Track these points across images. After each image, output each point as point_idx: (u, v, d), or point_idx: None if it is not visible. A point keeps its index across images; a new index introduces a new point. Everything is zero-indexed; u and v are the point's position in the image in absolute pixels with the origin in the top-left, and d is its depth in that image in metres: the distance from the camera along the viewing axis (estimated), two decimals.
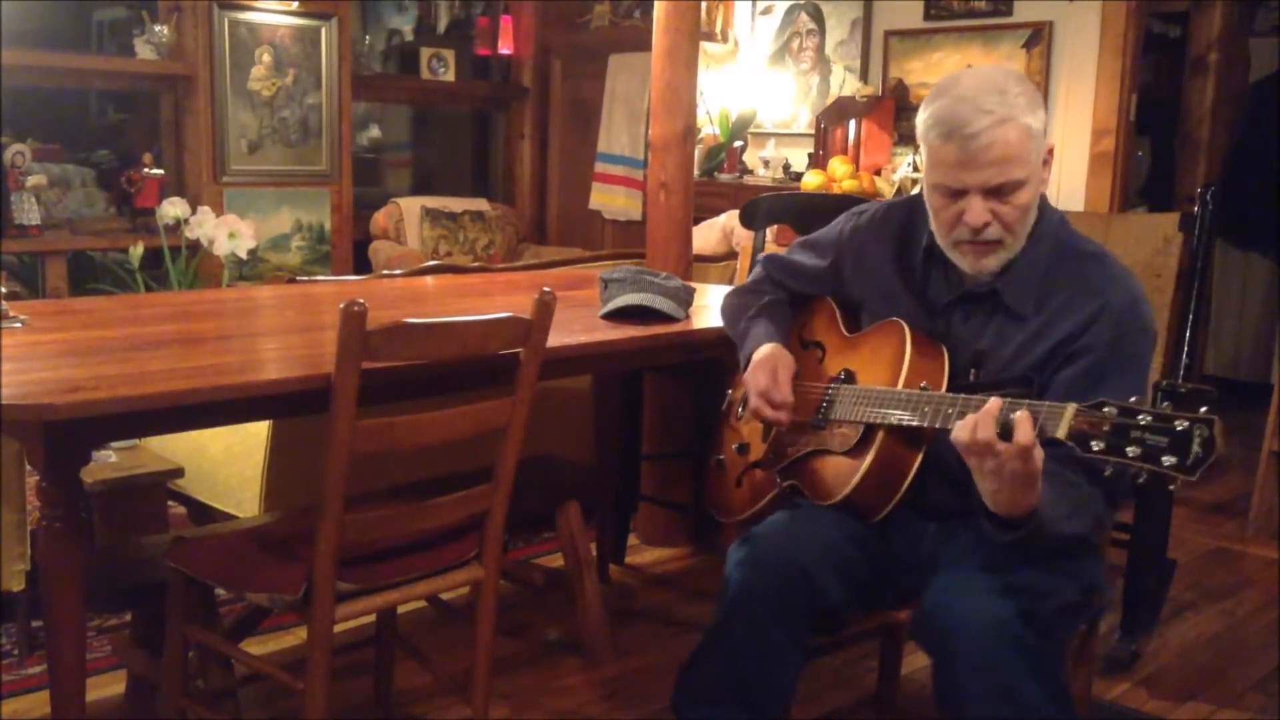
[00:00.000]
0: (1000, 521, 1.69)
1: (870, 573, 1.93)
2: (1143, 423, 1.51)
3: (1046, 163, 1.85)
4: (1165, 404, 1.53)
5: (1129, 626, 2.94)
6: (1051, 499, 1.65)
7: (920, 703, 2.67)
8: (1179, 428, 1.48)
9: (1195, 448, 1.47)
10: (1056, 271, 1.87)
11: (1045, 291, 1.86)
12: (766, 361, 2.05)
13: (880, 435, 1.86)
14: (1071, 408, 1.58)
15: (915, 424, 1.80)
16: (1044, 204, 1.91)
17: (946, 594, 1.73)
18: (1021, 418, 1.58)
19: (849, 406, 1.93)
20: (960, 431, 1.63)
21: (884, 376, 1.91)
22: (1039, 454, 1.59)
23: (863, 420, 1.89)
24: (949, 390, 1.85)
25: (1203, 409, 1.49)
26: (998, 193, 1.79)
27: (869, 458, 1.86)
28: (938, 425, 1.77)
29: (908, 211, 2.04)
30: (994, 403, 1.63)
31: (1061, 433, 1.58)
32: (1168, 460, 1.48)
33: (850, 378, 1.99)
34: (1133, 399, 1.58)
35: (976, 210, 1.80)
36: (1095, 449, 1.54)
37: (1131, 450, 1.51)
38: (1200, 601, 3.33)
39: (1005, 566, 1.74)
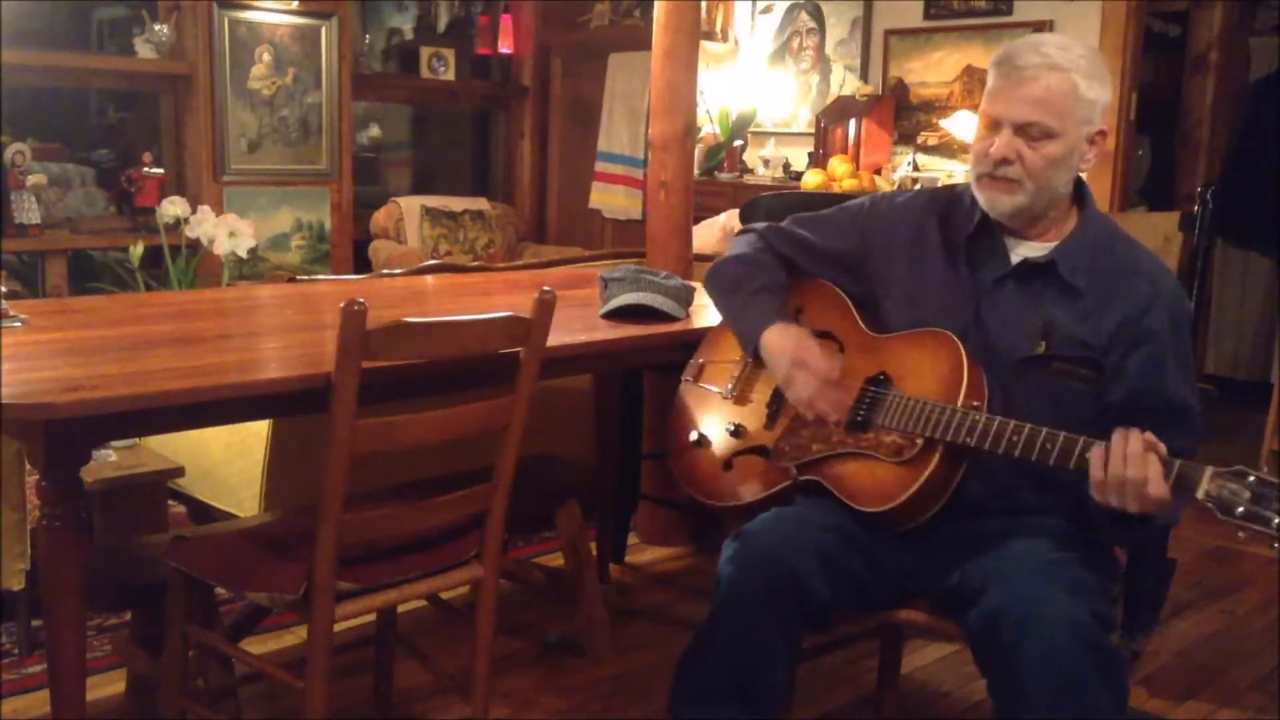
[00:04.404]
0: (1116, 517, 1.71)
1: (864, 571, 1.91)
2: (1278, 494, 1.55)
3: (1094, 142, 1.88)
4: None
5: (1129, 626, 2.94)
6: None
7: (920, 702, 2.67)
8: None
9: None
10: (1104, 252, 1.91)
11: (1095, 270, 1.89)
12: (802, 347, 1.98)
13: (940, 451, 1.82)
14: (1209, 470, 1.60)
15: (1019, 455, 1.75)
16: (1087, 193, 1.96)
17: (1018, 593, 1.71)
18: (1159, 478, 1.61)
19: (902, 415, 1.87)
20: (1115, 466, 1.65)
21: (935, 390, 1.87)
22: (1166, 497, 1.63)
23: (927, 435, 1.83)
24: (1013, 366, 1.87)
25: None
26: (1026, 134, 1.83)
27: (927, 471, 1.82)
28: (1033, 458, 1.74)
29: (953, 196, 2.04)
30: (1146, 445, 1.64)
31: (1200, 495, 1.60)
32: None
33: (886, 381, 1.95)
34: (1192, 389, 1.76)
35: (1002, 142, 1.84)
36: (1238, 514, 1.56)
37: (1276, 520, 1.54)
38: (1200, 601, 3.33)
39: (1061, 566, 1.74)
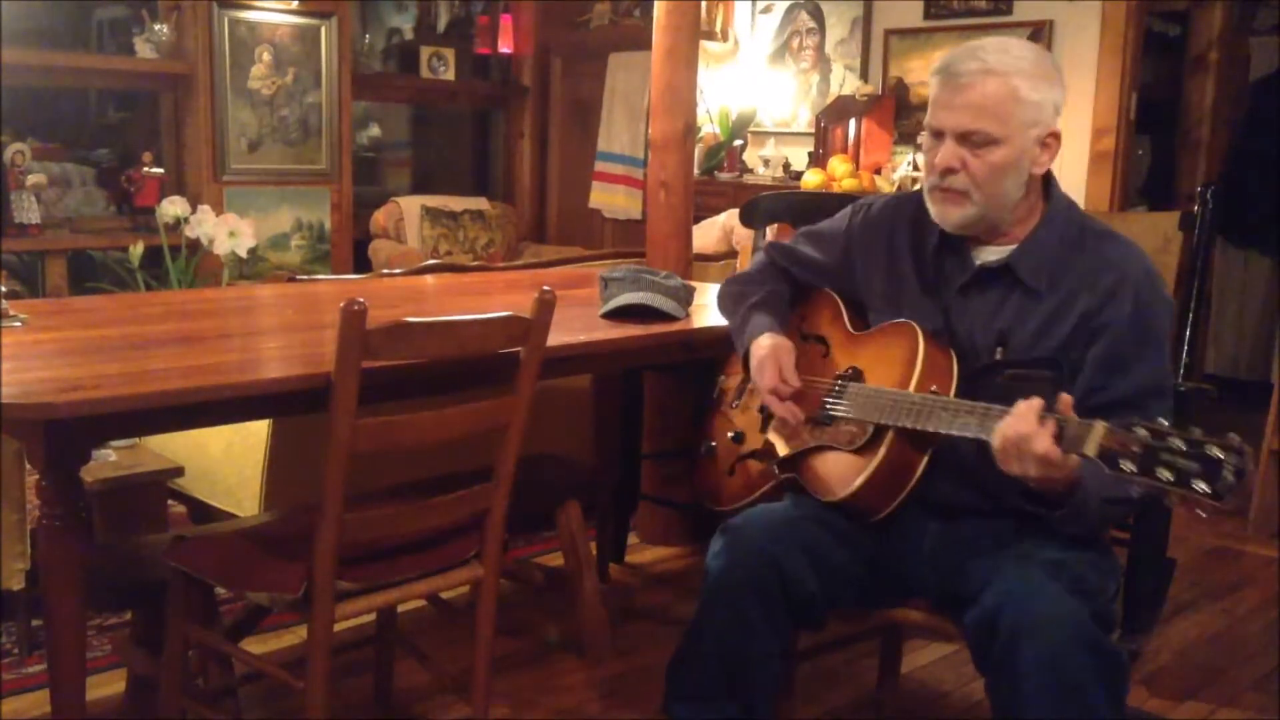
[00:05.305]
0: (1042, 500, 1.72)
1: (860, 569, 1.93)
2: (1175, 446, 1.49)
3: (1047, 145, 1.85)
4: (1198, 430, 1.50)
5: (1129, 625, 2.94)
6: (1091, 471, 1.64)
7: (920, 702, 2.67)
8: (1212, 454, 1.46)
9: (1228, 474, 1.44)
10: (1069, 249, 1.88)
11: (1059, 268, 1.87)
12: (771, 356, 2.04)
13: (890, 436, 1.86)
14: (1101, 426, 1.57)
15: (931, 430, 1.80)
16: (1054, 187, 1.93)
17: (1015, 593, 1.71)
18: (1043, 432, 1.61)
19: (858, 405, 1.92)
20: (1003, 429, 1.66)
21: (894, 377, 1.90)
22: (1071, 461, 1.61)
23: (873, 420, 1.88)
24: (972, 374, 1.86)
25: (1231, 435, 1.47)
26: (969, 141, 1.82)
27: (878, 458, 1.86)
28: (953, 432, 1.77)
29: (918, 203, 2.04)
30: (1034, 404, 1.64)
31: (1091, 451, 1.57)
32: (1200, 486, 1.46)
33: (858, 375, 1.99)
34: (1158, 379, 1.70)
35: (945, 152, 1.84)
36: (1125, 469, 1.52)
37: (1163, 473, 1.49)
38: (1200, 601, 3.33)
39: (1060, 566, 1.74)
